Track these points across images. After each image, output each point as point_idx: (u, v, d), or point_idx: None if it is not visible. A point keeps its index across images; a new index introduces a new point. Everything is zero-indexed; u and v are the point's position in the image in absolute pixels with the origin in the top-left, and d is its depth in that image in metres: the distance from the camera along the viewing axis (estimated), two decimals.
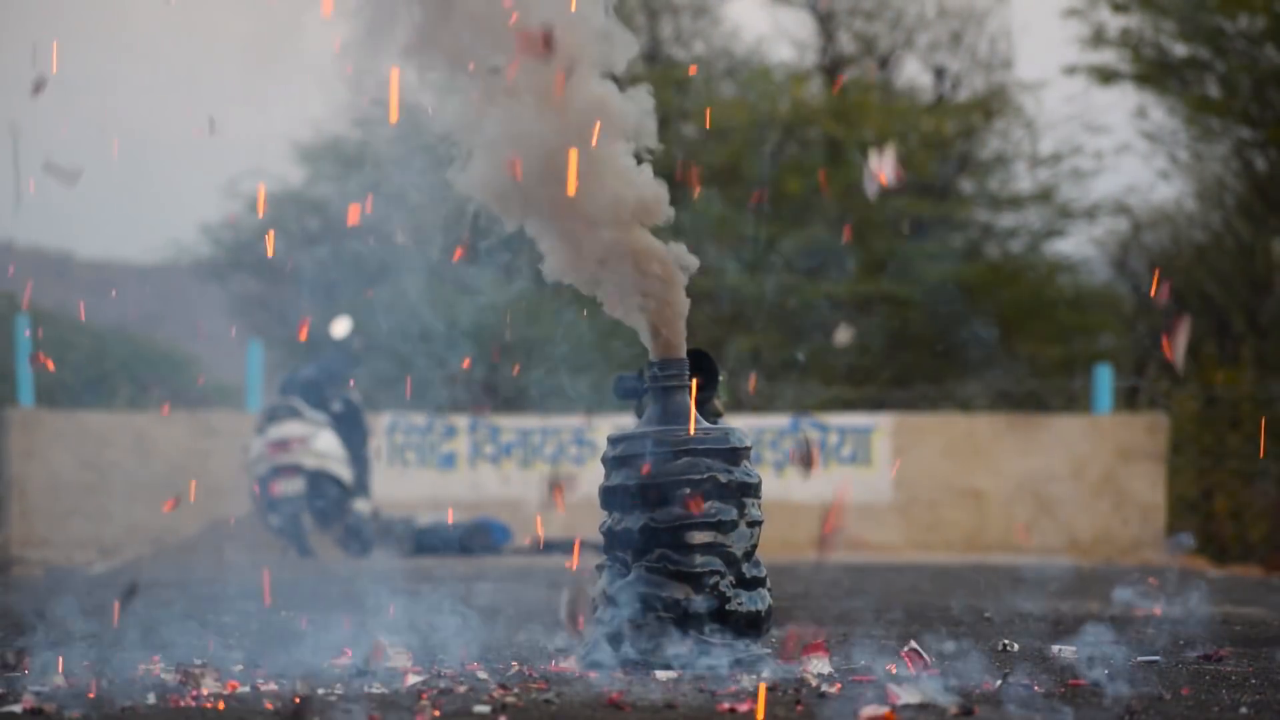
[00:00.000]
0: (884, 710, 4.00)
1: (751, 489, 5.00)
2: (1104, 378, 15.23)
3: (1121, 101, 39.81)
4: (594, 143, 4.85)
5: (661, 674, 4.70)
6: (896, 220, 22.23)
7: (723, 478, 4.92)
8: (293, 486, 12.62)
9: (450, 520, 13.69)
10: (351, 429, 13.14)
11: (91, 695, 4.25)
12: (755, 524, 5.01)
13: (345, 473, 12.89)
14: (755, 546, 5.01)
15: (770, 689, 4.39)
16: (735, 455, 4.97)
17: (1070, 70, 20.70)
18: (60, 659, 4.85)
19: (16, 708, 4.33)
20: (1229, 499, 15.76)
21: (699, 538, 4.90)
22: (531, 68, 4.79)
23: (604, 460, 5.05)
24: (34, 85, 4.93)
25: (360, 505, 12.96)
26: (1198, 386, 16.80)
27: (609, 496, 5.00)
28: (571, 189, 4.83)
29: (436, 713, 3.94)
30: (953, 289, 21.72)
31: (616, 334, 5.15)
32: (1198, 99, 20.10)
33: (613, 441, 5.02)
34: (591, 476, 12.79)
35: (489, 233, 5.08)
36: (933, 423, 15.19)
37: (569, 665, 4.94)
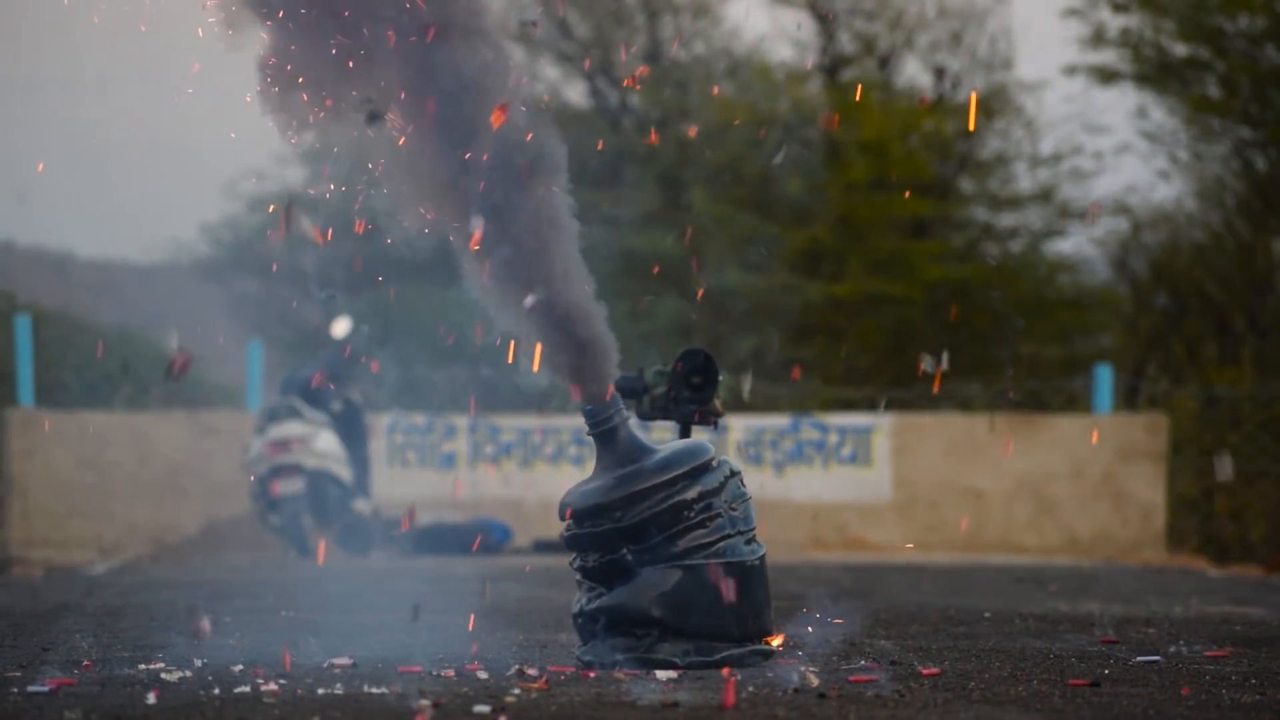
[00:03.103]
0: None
1: (728, 474, 4.96)
2: (1104, 378, 15.23)
3: (1121, 101, 39.82)
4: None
5: (661, 674, 4.70)
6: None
7: (692, 493, 4.90)
8: (293, 486, 12.63)
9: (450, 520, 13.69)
10: (351, 429, 13.15)
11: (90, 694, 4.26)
12: (742, 499, 4.96)
13: (345, 473, 12.90)
14: (753, 530, 4.97)
15: (768, 690, 4.39)
16: (697, 472, 4.90)
17: (1070, 70, 20.71)
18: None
19: (44, 687, 4.34)
20: (1229, 499, 15.75)
21: (687, 542, 4.87)
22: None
23: (564, 515, 4.96)
24: None
25: (360, 505, 12.96)
26: (1198, 387, 16.80)
27: (577, 543, 4.94)
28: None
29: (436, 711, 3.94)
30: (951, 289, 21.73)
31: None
32: (1198, 99, 20.10)
33: (574, 513, 4.91)
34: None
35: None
36: (933, 423, 15.19)
37: (569, 665, 4.94)
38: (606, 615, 4.88)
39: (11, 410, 14.13)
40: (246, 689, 4.32)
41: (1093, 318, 22.91)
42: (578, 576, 5.00)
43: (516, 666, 4.87)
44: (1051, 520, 14.75)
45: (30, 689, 4.33)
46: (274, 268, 24.14)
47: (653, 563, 4.86)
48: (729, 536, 4.90)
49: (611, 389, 4.95)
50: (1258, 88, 19.79)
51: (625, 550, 4.88)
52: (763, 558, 4.98)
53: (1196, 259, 20.36)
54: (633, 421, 5.09)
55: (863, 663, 5.04)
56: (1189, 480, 15.69)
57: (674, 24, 23.63)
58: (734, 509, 4.94)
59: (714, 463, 4.95)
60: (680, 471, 4.88)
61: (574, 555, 4.99)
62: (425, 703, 4.04)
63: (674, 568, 4.85)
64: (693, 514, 4.87)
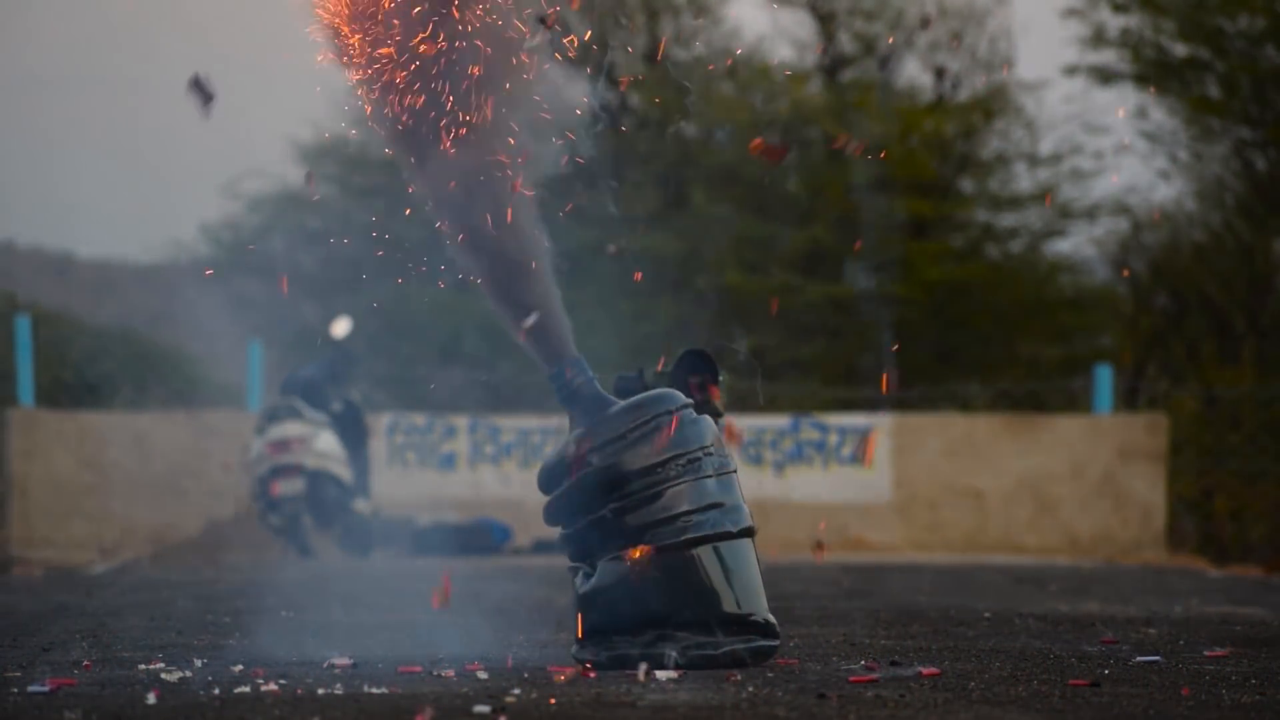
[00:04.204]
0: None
1: (713, 440, 4.91)
2: (1104, 378, 15.23)
3: (1121, 101, 39.78)
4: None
5: (661, 674, 4.68)
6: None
7: (670, 441, 4.83)
8: (293, 486, 12.63)
9: (452, 521, 13.69)
10: (351, 429, 13.14)
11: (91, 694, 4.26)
12: (728, 469, 4.90)
13: (345, 473, 12.90)
14: (741, 506, 4.90)
15: (768, 690, 4.39)
16: (671, 417, 4.85)
17: (1070, 70, 20.71)
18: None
19: (44, 687, 4.34)
20: (1229, 499, 15.76)
21: (670, 500, 4.82)
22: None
23: (545, 481, 4.95)
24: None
25: (360, 505, 12.96)
26: (1198, 386, 16.80)
27: (558, 507, 4.91)
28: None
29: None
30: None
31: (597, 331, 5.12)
32: (1198, 99, 20.10)
33: (550, 469, 4.93)
34: None
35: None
36: (933, 423, 15.18)
37: (568, 665, 4.94)
38: (600, 619, 4.83)
39: (11, 410, 14.13)
40: (246, 689, 4.32)
41: (1093, 318, 22.92)
42: (569, 564, 4.96)
43: (515, 665, 4.86)
44: (1051, 520, 14.76)
45: (30, 689, 4.34)
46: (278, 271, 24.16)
47: (639, 527, 4.79)
48: (716, 506, 4.86)
49: (571, 351, 4.95)
50: (1258, 88, 19.78)
51: (607, 509, 4.86)
52: (751, 530, 4.92)
53: (1196, 259, 20.35)
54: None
55: (863, 663, 5.04)
56: (1189, 480, 15.69)
57: (674, 24, 23.62)
58: (724, 472, 4.91)
59: (690, 414, 4.92)
60: (652, 414, 4.84)
61: (558, 526, 4.95)
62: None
63: (665, 552, 4.77)
64: (678, 469, 4.84)
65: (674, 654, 4.77)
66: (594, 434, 4.87)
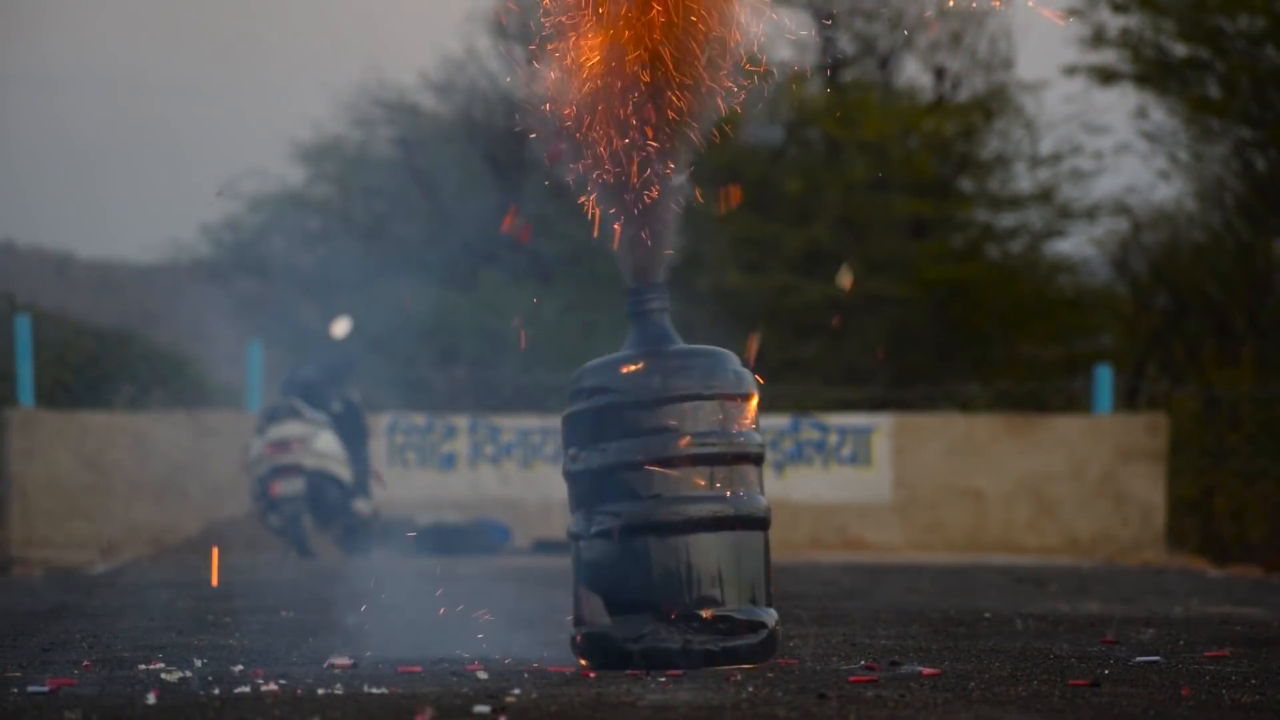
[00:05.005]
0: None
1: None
2: (1104, 378, 15.23)
3: (1121, 101, 39.79)
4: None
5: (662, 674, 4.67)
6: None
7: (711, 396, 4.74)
8: (293, 486, 12.63)
9: (451, 521, 13.69)
10: (351, 429, 13.14)
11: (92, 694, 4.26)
12: (745, 443, 4.80)
13: (345, 473, 12.90)
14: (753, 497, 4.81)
15: (768, 690, 4.39)
16: (719, 383, 4.77)
17: (1070, 70, 20.72)
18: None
19: (44, 687, 4.34)
20: (1229, 499, 15.76)
21: (687, 474, 4.69)
22: None
23: (575, 393, 4.81)
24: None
25: (360, 505, 12.96)
26: (1198, 386, 16.80)
27: (576, 424, 4.78)
28: None
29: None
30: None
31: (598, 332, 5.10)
32: (1198, 99, 20.10)
33: (589, 373, 4.79)
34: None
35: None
36: (933, 423, 15.18)
37: (569, 665, 4.93)
38: (605, 597, 4.77)
39: (11, 410, 14.13)
40: (246, 689, 4.31)
41: (1093, 318, 22.93)
42: (569, 532, 4.83)
43: (515, 665, 4.86)
44: (1051, 520, 14.76)
45: (30, 689, 4.33)
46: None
47: (649, 496, 4.65)
48: (729, 490, 4.72)
49: (659, 277, 4.88)
50: (1258, 88, 19.78)
51: (616, 453, 4.67)
52: (765, 520, 4.80)
53: (1196, 259, 20.36)
54: None
55: (863, 663, 5.03)
56: (1189, 480, 15.69)
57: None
58: (749, 456, 4.79)
59: (744, 378, 4.80)
60: (695, 380, 4.71)
61: (569, 449, 4.83)
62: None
63: (665, 533, 4.67)
64: (704, 439, 4.69)
65: (672, 649, 4.72)
66: (641, 359, 4.75)
